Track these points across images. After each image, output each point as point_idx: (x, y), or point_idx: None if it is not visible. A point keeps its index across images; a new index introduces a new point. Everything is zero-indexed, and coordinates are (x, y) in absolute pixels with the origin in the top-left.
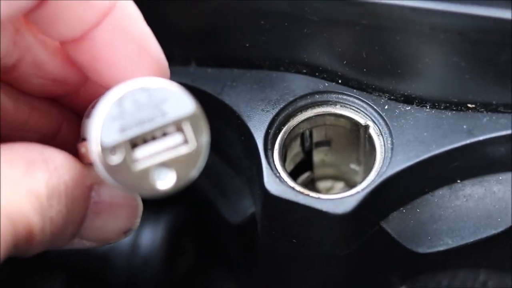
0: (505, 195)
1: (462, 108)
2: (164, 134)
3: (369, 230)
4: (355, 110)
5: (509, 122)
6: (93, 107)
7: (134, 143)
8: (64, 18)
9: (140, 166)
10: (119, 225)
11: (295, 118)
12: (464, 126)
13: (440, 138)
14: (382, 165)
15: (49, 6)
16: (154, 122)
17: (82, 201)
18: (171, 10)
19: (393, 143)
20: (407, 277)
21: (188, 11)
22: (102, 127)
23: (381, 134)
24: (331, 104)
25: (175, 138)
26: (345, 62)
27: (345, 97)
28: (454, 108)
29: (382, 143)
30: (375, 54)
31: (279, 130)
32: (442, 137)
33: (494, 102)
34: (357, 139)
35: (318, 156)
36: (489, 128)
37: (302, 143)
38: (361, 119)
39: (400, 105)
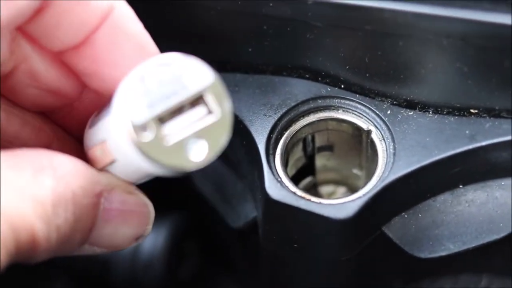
0: (507, 200)
1: (465, 113)
2: (189, 106)
3: (371, 235)
4: (358, 115)
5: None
6: (96, 115)
7: (161, 119)
8: (65, 24)
9: (172, 140)
10: (131, 232)
11: (297, 123)
12: (467, 132)
13: (442, 143)
14: (384, 170)
15: (48, 14)
16: (179, 96)
17: (91, 208)
18: (175, 14)
19: (395, 148)
20: (409, 282)
21: (191, 16)
22: (130, 106)
23: (383, 139)
24: (333, 109)
25: (200, 109)
26: (347, 67)
27: (347, 102)
28: (456, 114)
29: (384, 148)
30: (378, 59)
31: (281, 135)
32: (445, 142)
33: (496, 108)
34: (359, 144)
35: (320, 161)
36: (492, 134)
37: (304, 148)
38: (363, 124)
39: (403, 110)
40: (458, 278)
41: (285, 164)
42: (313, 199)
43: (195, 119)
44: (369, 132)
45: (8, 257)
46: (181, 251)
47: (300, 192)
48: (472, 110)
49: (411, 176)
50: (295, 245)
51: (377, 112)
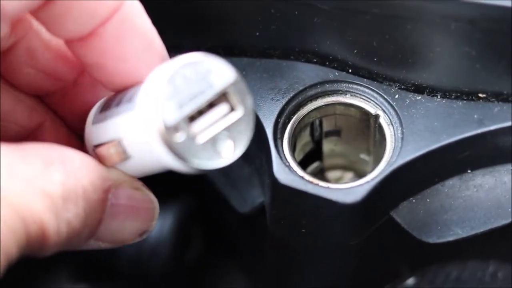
0: None
1: (473, 97)
2: (213, 104)
3: (379, 220)
4: (366, 100)
5: None
6: (103, 111)
7: (190, 118)
8: (74, 15)
9: (202, 139)
10: (136, 227)
11: (305, 108)
12: (475, 116)
13: (450, 127)
14: (392, 155)
15: (59, 3)
16: (205, 95)
17: (100, 204)
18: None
19: (404, 132)
20: (416, 267)
21: (198, 0)
22: (161, 107)
23: (391, 124)
24: (341, 94)
25: (223, 107)
26: (355, 51)
27: (355, 86)
28: (465, 98)
29: (393, 133)
30: (386, 43)
31: (288, 120)
32: (453, 126)
33: (505, 92)
34: (367, 129)
35: (327, 145)
36: (500, 118)
37: (312, 133)
38: (371, 109)
39: (411, 95)
40: (465, 263)
41: (292, 149)
42: (321, 183)
43: (219, 117)
44: (377, 116)
45: (19, 248)
46: (187, 236)
47: (308, 177)
48: (480, 95)
49: (419, 160)
50: (303, 230)
51: (385, 97)
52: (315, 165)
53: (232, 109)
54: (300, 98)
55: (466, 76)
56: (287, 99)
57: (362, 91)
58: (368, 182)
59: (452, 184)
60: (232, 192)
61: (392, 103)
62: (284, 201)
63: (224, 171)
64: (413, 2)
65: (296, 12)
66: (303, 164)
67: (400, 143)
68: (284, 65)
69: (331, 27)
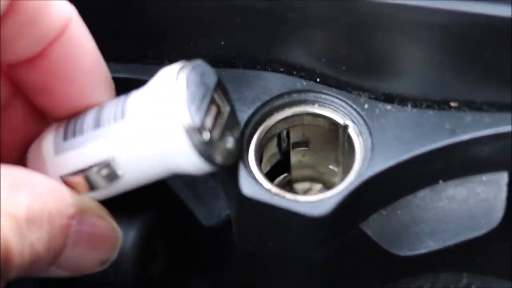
0: (489, 196)
1: (445, 107)
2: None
3: (349, 232)
4: (334, 110)
5: (493, 121)
6: (67, 134)
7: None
8: (27, 35)
9: (215, 136)
10: (98, 256)
11: (271, 118)
12: (447, 126)
13: (421, 138)
14: (361, 166)
15: (10, 23)
16: (208, 96)
17: (63, 229)
18: (145, 8)
19: (373, 143)
20: (388, 281)
21: (163, 9)
22: (188, 111)
23: (361, 134)
24: (309, 103)
25: (214, 105)
26: (323, 60)
27: (323, 96)
28: (436, 107)
29: (362, 143)
30: (355, 51)
31: (255, 130)
32: (424, 137)
33: (477, 101)
34: (336, 139)
35: (295, 157)
36: (473, 127)
37: (279, 144)
38: (340, 119)
39: (381, 104)
40: (438, 276)
41: (259, 160)
42: (288, 196)
43: (216, 113)
44: (346, 127)
45: None
46: (151, 250)
47: (275, 189)
48: (452, 104)
49: (389, 172)
50: (270, 244)
51: (354, 106)
52: (282, 176)
53: (219, 107)
54: (266, 108)
55: (437, 84)
56: (253, 110)
57: (331, 100)
58: (337, 194)
59: (424, 195)
60: (198, 205)
61: (361, 113)
62: (251, 214)
63: (189, 183)
64: (382, 9)
65: (263, 21)
66: (270, 175)
67: (370, 154)
68: (250, 75)
69: (298, 36)
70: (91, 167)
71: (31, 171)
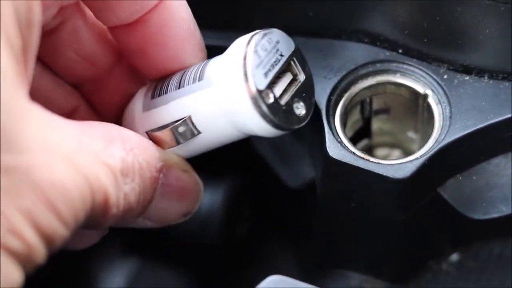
0: None
1: None
2: (283, 71)
3: (426, 195)
4: (415, 79)
5: None
6: (153, 97)
7: (272, 83)
8: (126, 3)
9: (284, 101)
10: (181, 208)
11: (356, 86)
12: None
13: (497, 107)
14: (440, 133)
15: None
16: (280, 62)
17: (152, 182)
18: None
19: (452, 112)
20: (460, 244)
21: None
22: (253, 76)
23: (440, 103)
24: (391, 73)
25: (289, 73)
26: (406, 32)
27: (405, 66)
28: (511, 79)
29: (441, 112)
30: (436, 24)
31: (340, 97)
32: (500, 106)
33: None
34: (415, 108)
35: (376, 123)
36: None
37: (362, 111)
38: (420, 88)
39: (459, 75)
40: (508, 240)
41: (344, 126)
42: (372, 159)
43: (287, 82)
44: (426, 96)
45: (86, 214)
46: (237, 209)
47: (359, 153)
48: None
49: (466, 139)
50: (353, 205)
51: (434, 77)
52: (364, 142)
53: (295, 75)
54: (351, 76)
55: None
56: (339, 78)
57: (412, 71)
58: (417, 158)
59: (498, 162)
60: (283, 168)
61: (440, 83)
62: (336, 176)
63: (276, 147)
64: None
65: None
66: (353, 141)
67: (448, 122)
68: (337, 45)
69: (383, 9)
70: (172, 123)
71: (123, 128)
